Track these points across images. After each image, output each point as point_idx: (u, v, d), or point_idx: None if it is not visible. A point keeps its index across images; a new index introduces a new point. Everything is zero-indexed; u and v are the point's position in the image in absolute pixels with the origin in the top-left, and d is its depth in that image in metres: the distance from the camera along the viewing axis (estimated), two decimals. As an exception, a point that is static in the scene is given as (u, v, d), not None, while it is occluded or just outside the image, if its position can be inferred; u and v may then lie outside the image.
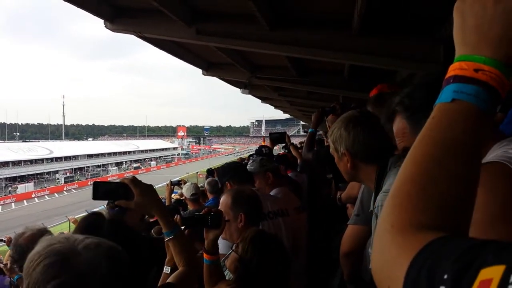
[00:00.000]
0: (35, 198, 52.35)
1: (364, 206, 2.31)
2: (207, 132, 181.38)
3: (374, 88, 3.72)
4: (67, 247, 1.10)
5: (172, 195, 7.94)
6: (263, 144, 6.71)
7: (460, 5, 0.75)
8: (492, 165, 1.09)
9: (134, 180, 1.92)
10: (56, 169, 71.58)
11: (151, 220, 6.32)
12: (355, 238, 2.36)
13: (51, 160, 73.27)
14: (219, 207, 2.48)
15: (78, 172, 74.84)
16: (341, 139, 1.93)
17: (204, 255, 2.11)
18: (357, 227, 2.35)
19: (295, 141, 10.59)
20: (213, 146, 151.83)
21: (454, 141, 0.66)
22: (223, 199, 2.55)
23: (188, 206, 5.63)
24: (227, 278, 2.19)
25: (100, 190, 1.95)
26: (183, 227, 2.09)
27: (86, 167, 79.10)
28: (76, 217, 10.86)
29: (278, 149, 9.94)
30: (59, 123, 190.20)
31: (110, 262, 1.11)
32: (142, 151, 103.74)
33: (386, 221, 0.64)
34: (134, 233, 1.96)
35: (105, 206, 3.81)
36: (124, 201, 1.89)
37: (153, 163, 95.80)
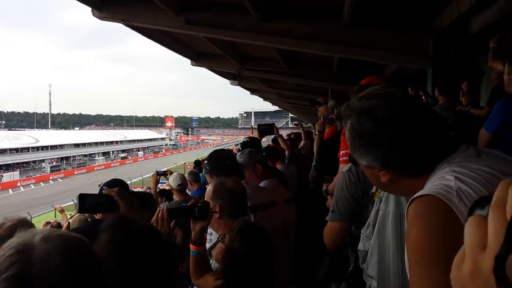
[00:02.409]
0: (21, 187, 51.76)
1: (338, 203, 2.33)
2: (195, 123, 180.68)
3: (363, 80, 3.72)
4: (24, 240, 1.08)
5: (160, 186, 7.92)
6: (251, 135, 6.70)
7: (457, 276, 0.58)
8: (426, 199, 1.05)
9: (119, 192, 1.90)
10: (42, 158, 70.74)
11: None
12: (334, 235, 2.39)
13: (37, 149, 72.37)
14: (205, 197, 2.48)
15: (64, 162, 74.07)
16: None
17: (191, 246, 2.11)
18: (333, 223, 2.36)
19: (284, 133, 10.60)
20: (201, 137, 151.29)
21: None
22: (208, 189, 2.55)
23: (174, 196, 5.61)
24: (213, 267, 2.19)
25: (87, 203, 1.94)
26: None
27: (73, 156, 78.36)
28: (62, 206, 10.77)
29: (266, 141, 9.95)
30: (46, 112, 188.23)
31: (63, 256, 1.07)
32: (130, 141, 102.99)
33: None
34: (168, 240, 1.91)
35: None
36: (111, 214, 1.87)
37: (140, 153, 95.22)
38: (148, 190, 9.85)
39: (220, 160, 3.32)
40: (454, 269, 0.57)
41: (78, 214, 6.09)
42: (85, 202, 1.93)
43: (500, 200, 0.52)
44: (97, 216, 2.95)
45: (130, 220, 1.64)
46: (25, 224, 2.74)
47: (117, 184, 3.02)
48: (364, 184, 2.24)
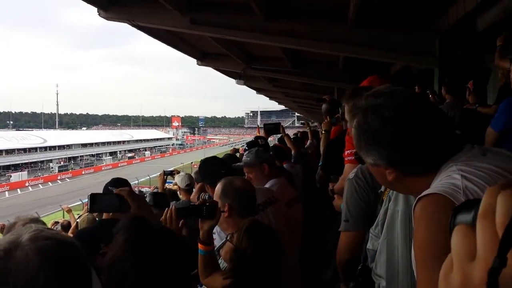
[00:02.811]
0: (29, 187, 52.07)
1: (350, 211, 2.30)
2: (202, 122, 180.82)
3: (365, 80, 3.72)
4: (12, 239, 1.09)
5: (167, 185, 7.94)
6: (258, 134, 6.70)
7: (445, 286, 0.57)
8: (433, 198, 1.05)
9: (130, 192, 1.91)
10: (50, 158, 71.15)
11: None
12: (351, 245, 2.33)
13: (45, 149, 72.77)
14: (214, 196, 2.49)
15: (72, 161, 74.44)
16: None
17: (199, 245, 2.12)
18: (349, 233, 2.32)
19: (290, 132, 10.58)
20: (207, 137, 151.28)
21: None
22: (217, 187, 2.56)
23: (181, 196, 5.61)
24: (221, 267, 2.21)
25: (98, 203, 1.95)
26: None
27: (80, 156, 78.76)
28: (70, 205, 10.85)
29: (273, 140, 9.96)
30: (53, 112, 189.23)
31: (42, 260, 1.06)
32: (137, 141, 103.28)
33: None
34: (181, 240, 1.92)
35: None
36: (120, 214, 1.89)
37: (147, 153, 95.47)
38: (155, 190, 9.88)
39: (214, 168, 3.32)
40: (442, 279, 0.57)
41: (87, 213, 6.14)
42: (96, 202, 1.95)
43: (487, 208, 0.51)
44: (104, 216, 2.99)
45: (146, 221, 1.66)
46: (36, 223, 2.77)
47: (120, 183, 3.06)
48: (373, 186, 2.21)
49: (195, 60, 10.54)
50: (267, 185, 3.47)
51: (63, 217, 15.39)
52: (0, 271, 1.03)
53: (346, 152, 2.98)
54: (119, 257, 1.45)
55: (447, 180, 1.09)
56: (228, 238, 2.12)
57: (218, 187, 2.51)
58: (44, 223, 2.95)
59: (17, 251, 1.06)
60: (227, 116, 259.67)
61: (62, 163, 70.56)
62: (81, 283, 1.17)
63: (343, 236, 2.37)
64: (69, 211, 9.27)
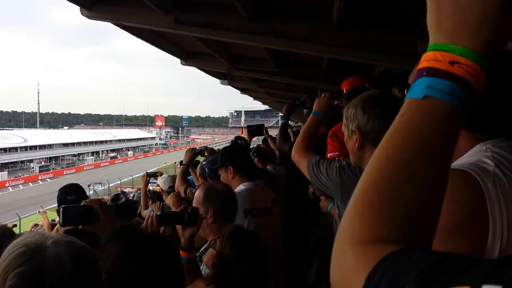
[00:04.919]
0: (9, 188, 51.22)
1: (325, 168, 2.31)
2: (185, 122, 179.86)
3: (345, 80, 3.73)
4: (38, 240, 1.15)
5: (150, 186, 7.88)
6: (241, 135, 6.69)
7: None
8: (459, 174, 1.03)
9: (101, 204, 1.89)
10: (31, 158, 70.06)
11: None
12: (300, 165, 2.47)
13: (25, 148, 71.62)
14: (193, 202, 2.46)
15: (53, 161, 73.40)
16: (355, 117, 1.84)
17: (181, 252, 2.09)
18: (305, 160, 2.40)
19: (274, 132, 10.59)
20: (191, 137, 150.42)
21: (423, 144, 0.59)
22: (196, 193, 2.53)
23: (164, 198, 5.56)
24: (203, 273, 2.18)
25: (70, 215, 1.89)
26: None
27: (62, 156, 77.67)
28: (51, 206, 10.70)
29: (257, 140, 9.96)
30: (34, 111, 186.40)
31: (74, 260, 1.14)
32: (119, 141, 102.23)
33: (346, 231, 0.60)
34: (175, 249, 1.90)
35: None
36: (89, 226, 1.86)
37: (130, 152, 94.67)
38: (138, 192, 9.80)
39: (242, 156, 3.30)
40: None
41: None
42: (68, 215, 1.87)
43: None
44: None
45: (137, 230, 1.65)
46: (5, 231, 2.68)
47: (75, 188, 3.06)
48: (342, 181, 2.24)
49: (179, 60, 10.48)
50: (242, 187, 3.42)
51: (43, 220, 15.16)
52: (34, 268, 1.10)
53: (328, 155, 2.97)
54: (117, 267, 1.44)
55: (476, 161, 1.06)
56: (212, 244, 2.11)
57: (199, 193, 2.48)
58: (13, 232, 2.85)
59: (47, 252, 1.12)
60: (211, 116, 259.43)
61: (43, 163, 69.50)
62: (99, 283, 1.26)
63: (304, 159, 2.41)
64: (43, 213, 9.22)
